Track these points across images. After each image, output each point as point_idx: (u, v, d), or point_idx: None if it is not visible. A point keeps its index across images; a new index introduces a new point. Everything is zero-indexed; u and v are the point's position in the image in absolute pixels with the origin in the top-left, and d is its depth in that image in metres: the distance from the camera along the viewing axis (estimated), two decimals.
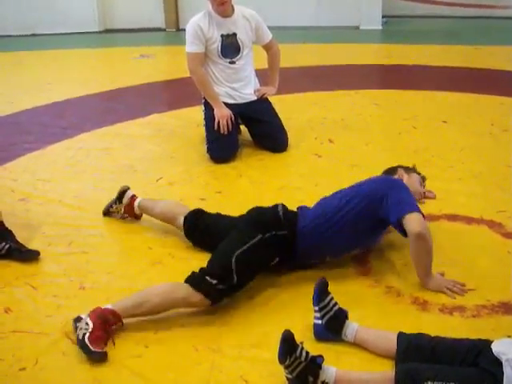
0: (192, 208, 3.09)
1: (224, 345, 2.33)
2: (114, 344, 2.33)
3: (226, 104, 4.22)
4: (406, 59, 7.18)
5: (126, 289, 2.73)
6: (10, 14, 9.51)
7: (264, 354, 2.26)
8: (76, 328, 2.33)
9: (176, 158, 4.27)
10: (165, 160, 4.25)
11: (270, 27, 4.39)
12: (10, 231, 3.04)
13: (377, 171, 3.84)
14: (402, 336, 2.20)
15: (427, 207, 3.18)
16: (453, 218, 3.26)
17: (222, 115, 4.14)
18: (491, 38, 8.30)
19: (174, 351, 2.31)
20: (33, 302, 2.64)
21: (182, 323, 2.45)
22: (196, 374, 2.19)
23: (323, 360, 2.04)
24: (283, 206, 2.80)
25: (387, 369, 2.12)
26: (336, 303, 2.34)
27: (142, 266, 2.91)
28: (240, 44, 4.20)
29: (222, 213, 3.01)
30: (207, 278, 2.42)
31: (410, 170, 3.10)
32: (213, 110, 4.18)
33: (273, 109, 4.42)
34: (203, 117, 4.32)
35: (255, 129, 4.39)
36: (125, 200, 3.28)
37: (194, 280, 2.44)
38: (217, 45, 4.14)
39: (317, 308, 2.33)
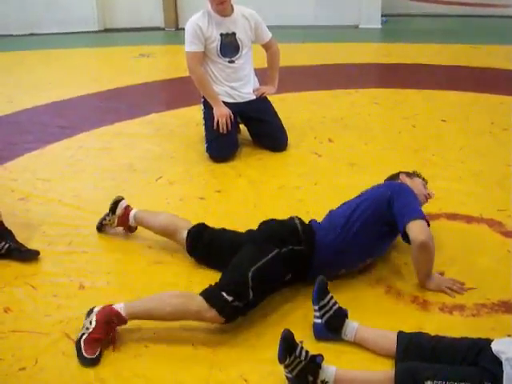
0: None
1: (223, 344, 2.33)
2: (114, 349, 2.31)
3: (226, 103, 4.22)
4: (406, 58, 7.18)
5: (125, 288, 2.74)
6: (11, 14, 9.50)
7: (264, 354, 2.26)
8: (84, 324, 2.33)
9: (175, 158, 4.27)
10: (164, 159, 4.25)
11: (269, 26, 4.38)
12: (10, 231, 3.04)
13: (376, 170, 3.86)
14: (401, 335, 2.20)
15: (427, 206, 3.17)
16: (453, 216, 3.26)
17: (222, 114, 4.14)
18: (491, 36, 8.29)
19: (173, 351, 2.31)
20: (32, 302, 2.64)
21: (182, 323, 2.44)
22: (196, 373, 2.19)
23: (323, 359, 2.04)
24: (299, 219, 2.72)
25: (387, 368, 2.12)
26: (336, 302, 2.35)
27: (142, 266, 2.91)
28: (239, 43, 4.19)
29: (223, 214, 3.01)
30: (223, 293, 2.31)
31: (412, 174, 3.05)
32: (212, 109, 4.18)
33: (272, 108, 4.42)
34: (202, 116, 4.32)
35: (254, 128, 4.39)
36: (118, 211, 3.09)
37: (209, 294, 2.33)
38: (216, 44, 4.14)
39: (316, 307, 2.33)
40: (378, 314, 2.49)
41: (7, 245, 2.94)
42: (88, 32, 9.72)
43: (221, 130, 4.13)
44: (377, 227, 2.64)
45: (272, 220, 2.76)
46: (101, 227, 3.17)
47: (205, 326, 2.40)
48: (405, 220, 2.54)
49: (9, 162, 4.23)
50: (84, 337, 2.27)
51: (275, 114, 4.40)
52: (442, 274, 2.68)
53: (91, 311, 2.35)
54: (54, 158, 4.34)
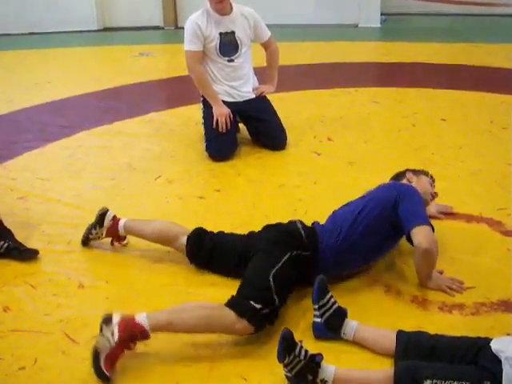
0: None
1: (223, 343, 2.33)
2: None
3: (225, 102, 4.21)
4: (405, 57, 7.18)
5: (125, 287, 2.74)
6: (10, 13, 9.50)
7: (263, 353, 2.26)
8: (101, 329, 2.17)
9: (175, 157, 4.27)
10: (163, 158, 4.25)
11: (268, 25, 4.38)
12: (9, 230, 3.03)
13: (376, 169, 3.86)
14: (401, 334, 2.20)
15: None
16: (452, 215, 3.26)
17: (221, 113, 4.14)
18: (491, 35, 8.29)
19: (173, 350, 2.31)
20: (32, 301, 2.64)
21: None
22: (195, 372, 2.19)
23: (322, 358, 2.04)
24: (302, 222, 2.70)
25: (387, 367, 2.12)
26: (335, 301, 2.34)
27: (142, 265, 2.91)
28: (238, 42, 4.19)
29: (222, 213, 3.00)
30: (251, 302, 2.26)
31: (418, 172, 3.01)
32: (211, 108, 4.18)
33: (272, 107, 4.42)
34: (202, 115, 4.32)
35: (254, 127, 4.39)
36: (106, 222, 2.95)
37: (238, 305, 2.27)
38: (215, 43, 4.13)
39: (316, 306, 2.33)
40: (377, 313, 2.49)
41: (6, 244, 2.94)
42: (87, 31, 9.71)
43: (220, 129, 4.12)
44: (382, 229, 2.63)
45: (275, 225, 2.73)
46: (87, 241, 3.02)
47: None
48: (410, 225, 2.52)
49: (8, 161, 4.22)
50: (106, 352, 2.12)
51: (274, 113, 4.40)
52: (441, 273, 2.68)
53: (110, 319, 2.18)
54: (53, 157, 4.34)
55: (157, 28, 9.93)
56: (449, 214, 3.24)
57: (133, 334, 2.16)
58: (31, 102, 5.69)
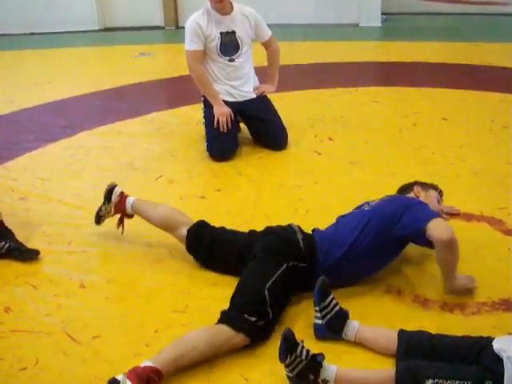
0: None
1: None
2: None
3: (226, 102, 4.21)
4: (406, 56, 7.17)
5: (126, 287, 2.74)
6: (11, 13, 9.50)
7: (264, 353, 2.26)
8: None
9: (176, 157, 4.27)
10: (164, 158, 4.25)
11: (269, 25, 4.38)
12: (10, 230, 3.03)
13: (377, 169, 3.86)
14: (402, 334, 2.20)
15: None
16: (453, 215, 3.25)
17: (222, 113, 4.14)
18: (491, 34, 8.28)
19: None
20: (33, 301, 2.64)
21: (182, 322, 2.45)
22: (196, 372, 2.18)
23: (324, 358, 2.03)
24: (300, 230, 2.63)
25: (388, 367, 2.11)
26: (337, 303, 2.33)
27: (143, 265, 2.91)
28: (239, 42, 4.19)
29: (223, 213, 2.99)
30: (245, 315, 2.25)
31: (427, 186, 2.90)
32: (212, 108, 4.18)
33: (272, 107, 4.41)
34: (203, 115, 4.32)
35: (255, 127, 4.38)
36: (114, 198, 3.03)
37: (233, 320, 2.25)
38: (216, 42, 4.13)
39: (317, 308, 2.32)
40: (378, 313, 2.49)
41: (7, 244, 2.94)
42: (88, 31, 9.70)
43: (221, 129, 4.12)
44: (385, 245, 2.56)
45: (275, 230, 2.68)
46: (99, 220, 3.08)
47: (204, 324, 2.40)
48: (422, 223, 2.42)
49: (9, 162, 4.23)
50: None
51: (275, 112, 4.40)
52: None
53: (116, 381, 2.01)
54: (54, 158, 4.34)
55: (157, 28, 9.92)
56: (454, 215, 3.23)
57: (147, 377, 2.04)
58: (32, 102, 5.69)
